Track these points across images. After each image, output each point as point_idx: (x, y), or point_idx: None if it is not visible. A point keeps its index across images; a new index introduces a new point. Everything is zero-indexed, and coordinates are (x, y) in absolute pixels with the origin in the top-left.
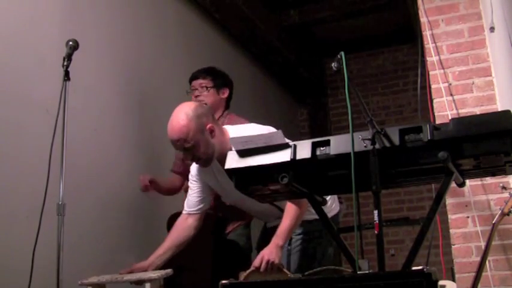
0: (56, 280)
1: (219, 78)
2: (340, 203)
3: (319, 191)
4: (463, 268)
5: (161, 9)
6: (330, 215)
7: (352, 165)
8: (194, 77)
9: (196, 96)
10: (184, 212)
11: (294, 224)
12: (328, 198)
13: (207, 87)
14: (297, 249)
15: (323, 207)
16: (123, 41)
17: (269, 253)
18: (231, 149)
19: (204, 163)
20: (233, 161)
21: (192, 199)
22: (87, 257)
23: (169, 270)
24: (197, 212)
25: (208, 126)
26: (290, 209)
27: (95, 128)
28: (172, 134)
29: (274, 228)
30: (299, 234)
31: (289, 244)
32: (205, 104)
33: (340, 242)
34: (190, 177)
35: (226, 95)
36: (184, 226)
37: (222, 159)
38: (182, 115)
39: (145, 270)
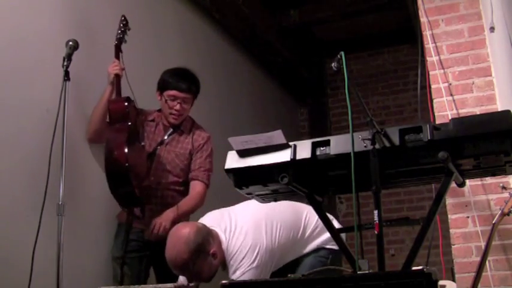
0: (56, 280)
1: (198, 89)
2: (341, 203)
3: (319, 191)
4: (463, 268)
5: (161, 9)
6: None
7: (352, 165)
8: (182, 89)
9: (176, 109)
10: None
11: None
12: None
13: (191, 102)
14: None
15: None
16: None
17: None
18: (225, 257)
19: (207, 281)
20: (233, 161)
21: None
22: (87, 257)
23: (193, 285)
24: None
25: (211, 251)
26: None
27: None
28: (173, 266)
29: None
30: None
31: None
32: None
33: (340, 242)
34: None
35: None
36: None
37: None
38: (182, 246)
39: None
